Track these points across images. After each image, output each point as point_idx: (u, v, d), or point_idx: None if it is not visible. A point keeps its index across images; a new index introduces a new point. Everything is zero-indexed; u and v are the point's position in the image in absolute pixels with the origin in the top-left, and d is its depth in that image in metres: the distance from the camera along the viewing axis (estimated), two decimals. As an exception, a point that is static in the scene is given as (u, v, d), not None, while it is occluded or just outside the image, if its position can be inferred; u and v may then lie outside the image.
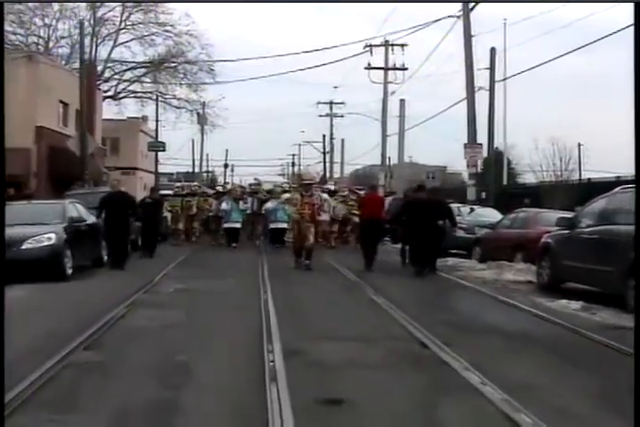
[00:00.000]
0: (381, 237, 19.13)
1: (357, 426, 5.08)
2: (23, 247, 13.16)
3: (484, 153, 28.98)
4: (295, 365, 6.57)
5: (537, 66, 27.11)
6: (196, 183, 29.95)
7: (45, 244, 13.36)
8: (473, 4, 28.08)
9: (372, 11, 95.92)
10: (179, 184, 29.70)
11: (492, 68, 27.40)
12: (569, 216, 13.98)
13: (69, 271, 13.82)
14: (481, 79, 28.47)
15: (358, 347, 7.59)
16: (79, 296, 11.62)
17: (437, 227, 14.97)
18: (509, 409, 5.32)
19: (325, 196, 18.95)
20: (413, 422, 5.21)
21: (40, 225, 13.98)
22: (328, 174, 58.90)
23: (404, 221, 15.74)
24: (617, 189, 12.65)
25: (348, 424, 5.10)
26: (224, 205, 23.16)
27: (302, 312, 10.16)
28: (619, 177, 27.96)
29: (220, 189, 27.27)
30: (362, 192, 22.89)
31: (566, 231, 13.20)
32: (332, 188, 26.44)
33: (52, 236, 13.55)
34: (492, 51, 27.51)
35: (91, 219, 15.90)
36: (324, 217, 16.56)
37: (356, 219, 21.36)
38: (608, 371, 6.86)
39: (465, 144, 27.71)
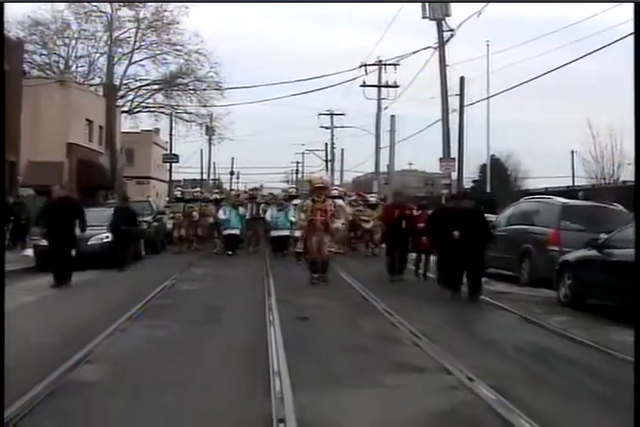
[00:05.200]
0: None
1: (315, 328, 9.66)
2: (89, 243, 17.77)
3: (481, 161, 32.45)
4: (283, 305, 11.21)
5: (533, 78, 30.43)
6: (197, 189, 29.67)
7: (105, 241, 18.02)
8: (448, 37, 32.79)
9: (370, 19, 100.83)
10: (181, 190, 28.63)
11: (461, 95, 31.82)
12: (492, 219, 18.62)
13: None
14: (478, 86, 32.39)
15: (323, 299, 12.25)
16: (135, 277, 16.31)
17: (477, 240, 13.05)
18: (396, 321, 9.97)
19: (340, 202, 17.82)
20: (344, 326, 9.82)
21: (98, 227, 18.49)
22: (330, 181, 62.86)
23: (439, 232, 13.82)
24: (522, 200, 17.36)
25: (310, 327, 9.69)
26: (221, 213, 22.54)
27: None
28: (569, 186, 32.69)
29: (217, 196, 24.83)
30: (373, 198, 23.89)
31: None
32: (337, 193, 23.38)
33: (109, 235, 18.16)
34: (462, 80, 32.02)
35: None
36: (339, 225, 15.25)
37: (365, 225, 22.42)
38: (465, 310, 11.55)
39: (440, 158, 32.25)
